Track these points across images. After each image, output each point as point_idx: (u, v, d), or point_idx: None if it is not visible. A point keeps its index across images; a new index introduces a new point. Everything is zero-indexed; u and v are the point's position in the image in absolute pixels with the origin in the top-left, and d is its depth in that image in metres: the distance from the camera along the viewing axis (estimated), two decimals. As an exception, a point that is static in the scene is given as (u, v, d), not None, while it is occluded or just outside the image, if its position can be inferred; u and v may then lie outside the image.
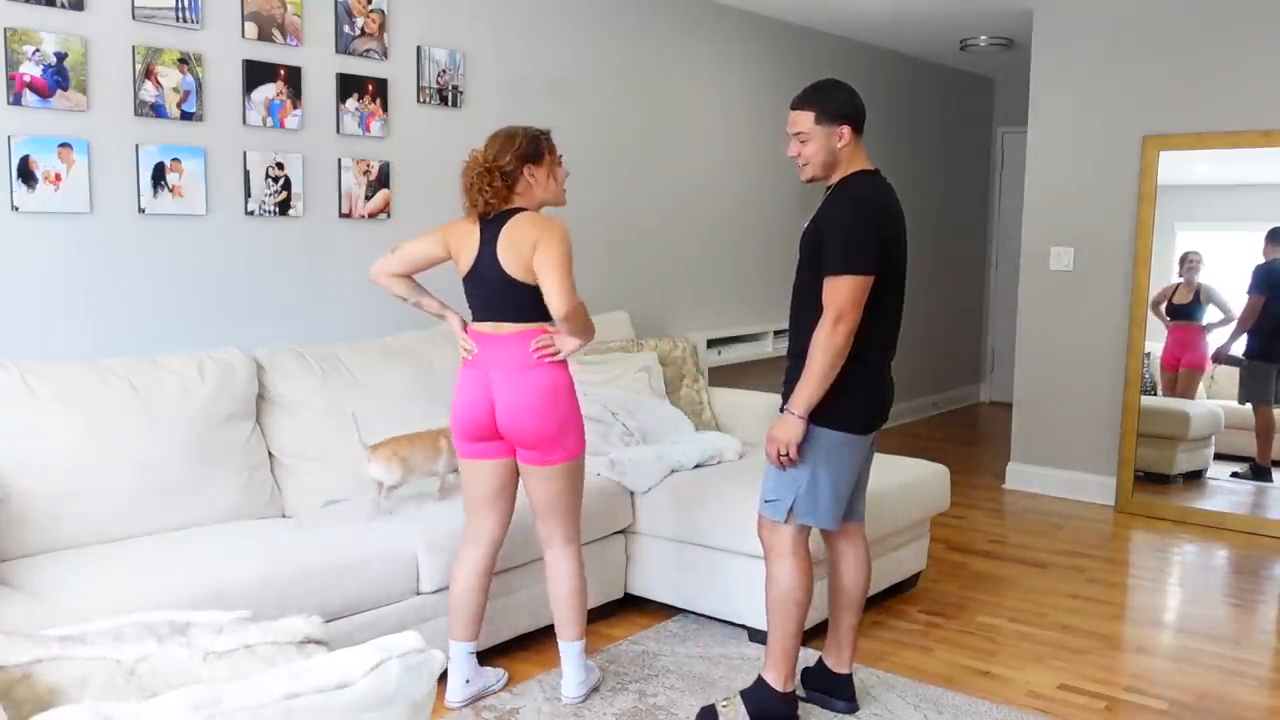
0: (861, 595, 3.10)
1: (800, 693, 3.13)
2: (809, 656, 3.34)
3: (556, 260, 2.79)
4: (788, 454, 2.83)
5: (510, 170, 2.86)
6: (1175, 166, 5.18)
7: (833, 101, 2.87)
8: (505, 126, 2.96)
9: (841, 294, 2.76)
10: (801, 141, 2.89)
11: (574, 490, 3.01)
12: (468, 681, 3.07)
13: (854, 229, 2.79)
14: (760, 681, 2.97)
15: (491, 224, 2.88)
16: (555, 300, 2.80)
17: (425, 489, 3.49)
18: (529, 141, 2.90)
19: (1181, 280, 5.29)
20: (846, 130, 2.86)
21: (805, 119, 2.88)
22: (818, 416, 2.84)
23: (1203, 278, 5.26)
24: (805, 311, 2.90)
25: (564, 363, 2.94)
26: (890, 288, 2.87)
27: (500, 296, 2.88)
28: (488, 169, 2.86)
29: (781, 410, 2.88)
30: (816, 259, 2.85)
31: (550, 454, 2.92)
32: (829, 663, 3.14)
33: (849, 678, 3.11)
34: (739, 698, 2.97)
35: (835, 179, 2.92)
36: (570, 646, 3.07)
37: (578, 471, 3.01)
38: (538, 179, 2.91)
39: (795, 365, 2.93)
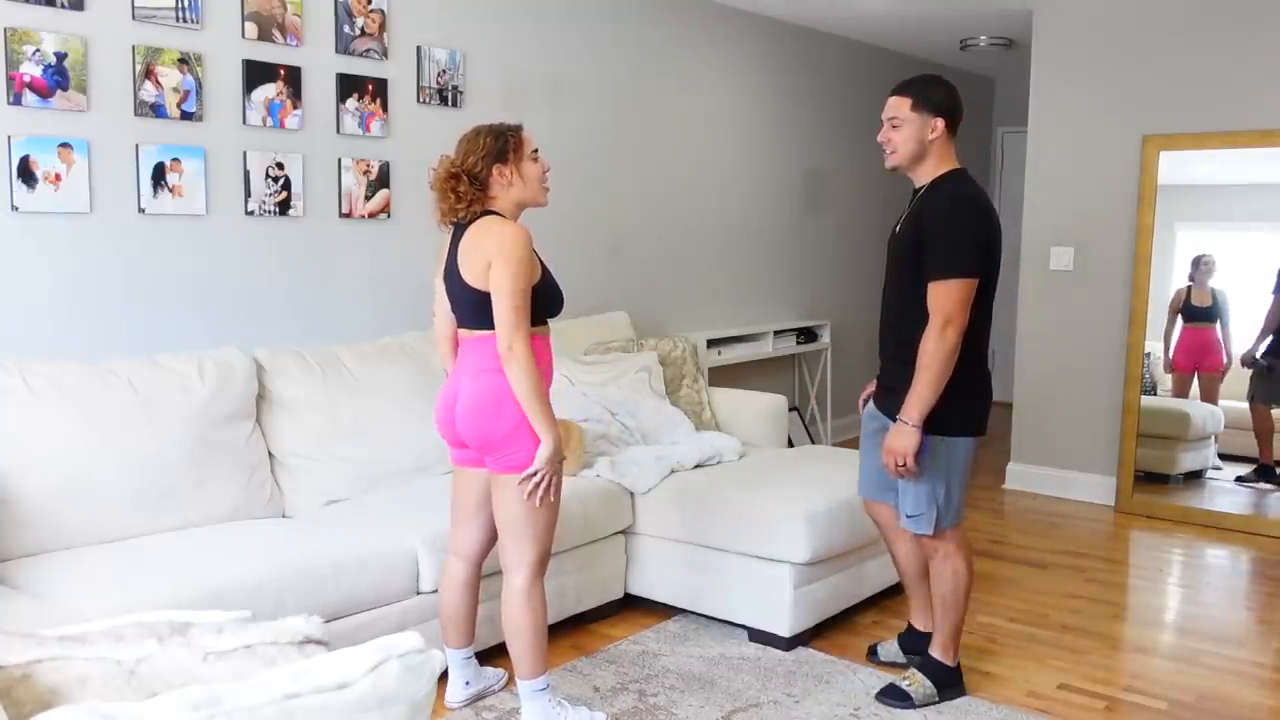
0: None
1: (899, 657, 3.32)
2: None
3: (504, 289, 2.62)
4: (905, 464, 2.83)
5: (479, 173, 2.72)
6: (1175, 166, 5.18)
7: (931, 93, 2.88)
8: (473, 126, 2.82)
9: (951, 298, 2.76)
10: (894, 127, 2.90)
11: (528, 511, 2.74)
12: (468, 684, 3.07)
13: (960, 231, 2.79)
14: (930, 659, 3.11)
15: (459, 227, 2.78)
16: (497, 337, 2.65)
17: (425, 489, 3.50)
18: (494, 139, 2.73)
19: (1193, 282, 5.26)
20: (940, 124, 2.87)
21: (901, 104, 2.89)
22: (945, 426, 2.86)
23: (1214, 280, 5.20)
24: (902, 314, 2.91)
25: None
26: (992, 286, 2.89)
27: (463, 303, 2.75)
28: (453, 174, 2.72)
29: (893, 419, 2.88)
30: (915, 260, 2.83)
31: (500, 460, 2.72)
32: (917, 624, 3.32)
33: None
34: (918, 672, 3.11)
35: (925, 176, 2.91)
36: (521, 685, 2.84)
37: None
38: (509, 178, 2.74)
39: (892, 370, 2.94)
